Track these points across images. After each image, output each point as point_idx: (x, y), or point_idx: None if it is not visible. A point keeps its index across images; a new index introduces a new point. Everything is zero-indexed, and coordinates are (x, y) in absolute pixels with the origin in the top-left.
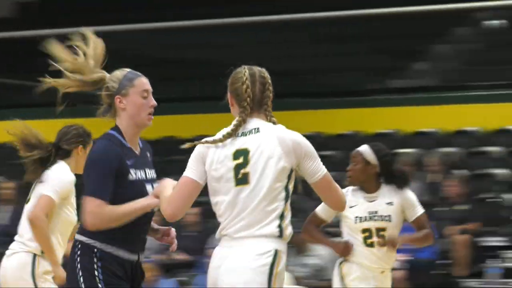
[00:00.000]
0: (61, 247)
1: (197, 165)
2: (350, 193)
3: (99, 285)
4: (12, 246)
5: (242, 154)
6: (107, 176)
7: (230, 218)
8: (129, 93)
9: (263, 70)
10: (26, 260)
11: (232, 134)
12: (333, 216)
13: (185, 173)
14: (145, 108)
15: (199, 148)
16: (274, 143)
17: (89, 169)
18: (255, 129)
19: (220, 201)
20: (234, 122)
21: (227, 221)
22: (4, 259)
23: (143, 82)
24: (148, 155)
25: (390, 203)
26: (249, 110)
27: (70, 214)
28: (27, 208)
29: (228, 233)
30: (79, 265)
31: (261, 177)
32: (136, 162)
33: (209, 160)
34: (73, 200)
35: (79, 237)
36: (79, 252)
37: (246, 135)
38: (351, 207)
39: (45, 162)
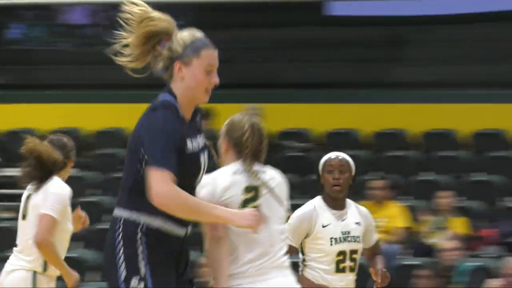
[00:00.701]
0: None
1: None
2: (318, 209)
3: (143, 270)
4: (12, 261)
5: (252, 189)
6: (172, 148)
7: (248, 253)
8: (192, 63)
9: (258, 121)
10: (26, 278)
11: (247, 172)
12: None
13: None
14: (205, 84)
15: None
16: (283, 184)
17: (155, 138)
18: (261, 170)
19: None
20: (244, 166)
21: (246, 256)
22: (3, 274)
23: (211, 55)
24: (197, 119)
25: (358, 223)
26: (249, 159)
27: (68, 225)
28: (27, 226)
29: (251, 268)
30: (119, 246)
31: (274, 211)
32: (189, 131)
33: (218, 190)
34: (69, 210)
35: (121, 212)
36: (120, 230)
37: (252, 174)
38: (324, 226)
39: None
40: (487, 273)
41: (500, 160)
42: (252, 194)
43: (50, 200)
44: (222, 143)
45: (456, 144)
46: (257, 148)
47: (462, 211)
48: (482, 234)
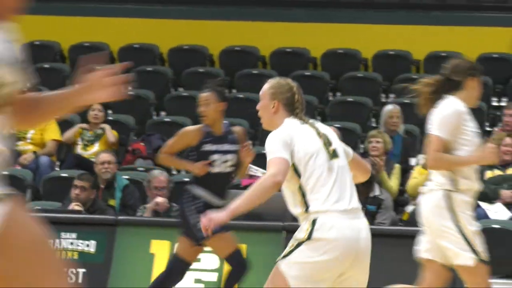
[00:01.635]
0: None
1: (287, 147)
2: None
3: None
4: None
5: (323, 135)
6: None
7: (338, 190)
8: None
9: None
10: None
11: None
12: None
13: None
14: None
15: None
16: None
17: None
18: (314, 121)
19: (318, 173)
20: (300, 120)
21: (335, 192)
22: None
23: None
24: None
25: None
26: (301, 114)
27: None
28: None
29: (344, 206)
30: None
31: (343, 154)
32: None
33: (297, 142)
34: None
35: None
36: None
37: (314, 124)
38: None
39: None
40: (140, 186)
41: (151, 74)
42: (324, 139)
43: (435, 121)
44: (269, 105)
45: (108, 58)
46: (302, 104)
47: (113, 125)
48: (133, 147)
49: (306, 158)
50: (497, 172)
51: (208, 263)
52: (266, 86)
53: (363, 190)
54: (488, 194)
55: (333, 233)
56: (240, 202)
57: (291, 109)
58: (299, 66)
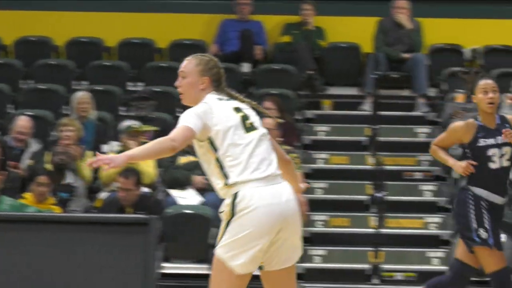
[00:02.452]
0: None
1: (199, 120)
2: None
3: None
4: None
5: (239, 110)
6: None
7: (255, 160)
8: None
9: None
10: None
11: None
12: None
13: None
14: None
15: (202, 108)
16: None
17: None
18: (231, 96)
19: (235, 146)
20: (224, 95)
21: (252, 163)
22: None
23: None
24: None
25: None
26: (226, 87)
27: None
28: None
29: (262, 174)
30: None
31: (260, 127)
32: None
33: (215, 116)
34: None
35: None
36: None
37: (233, 98)
38: None
39: None
40: None
41: None
42: (243, 113)
43: None
44: (198, 82)
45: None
46: (223, 78)
47: None
48: None
49: (224, 131)
50: (190, 158)
51: None
52: (192, 64)
53: (55, 177)
54: (180, 180)
55: (255, 202)
56: (136, 152)
57: (218, 84)
58: None
